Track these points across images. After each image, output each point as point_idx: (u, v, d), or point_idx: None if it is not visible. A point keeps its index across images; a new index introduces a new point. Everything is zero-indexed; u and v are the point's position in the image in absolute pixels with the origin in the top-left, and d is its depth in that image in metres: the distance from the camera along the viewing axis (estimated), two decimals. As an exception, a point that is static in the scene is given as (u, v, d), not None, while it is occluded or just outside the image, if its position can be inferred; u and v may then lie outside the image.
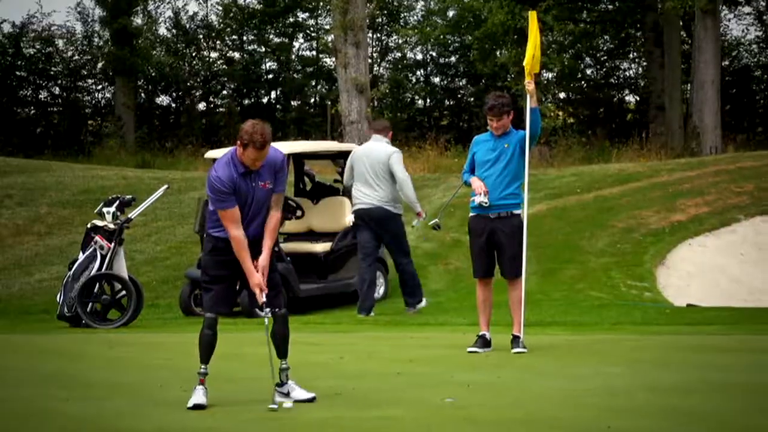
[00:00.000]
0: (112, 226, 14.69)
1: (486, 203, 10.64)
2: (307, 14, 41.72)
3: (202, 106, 41.33)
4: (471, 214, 10.94)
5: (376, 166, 14.90)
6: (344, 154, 17.36)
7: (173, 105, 41.12)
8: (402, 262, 15.14)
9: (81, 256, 14.76)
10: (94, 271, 14.54)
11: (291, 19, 41.32)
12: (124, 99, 36.20)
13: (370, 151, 15.08)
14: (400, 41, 41.59)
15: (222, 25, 41.46)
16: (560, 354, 10.90)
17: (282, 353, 8.15)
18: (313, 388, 8.31)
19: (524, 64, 11.08)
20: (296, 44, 42.02)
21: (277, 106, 41.74)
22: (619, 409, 7.67)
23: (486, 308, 11.00)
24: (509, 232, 10.77)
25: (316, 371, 9.60)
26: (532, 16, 11.37)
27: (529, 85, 10.86)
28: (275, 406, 7.80)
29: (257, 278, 7.98)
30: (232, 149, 8.12)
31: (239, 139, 8.00)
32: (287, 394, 8.06)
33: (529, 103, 10.80)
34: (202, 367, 8.12)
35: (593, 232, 20.12)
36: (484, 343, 10.86)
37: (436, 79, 41.64)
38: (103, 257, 14.59)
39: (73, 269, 14.67)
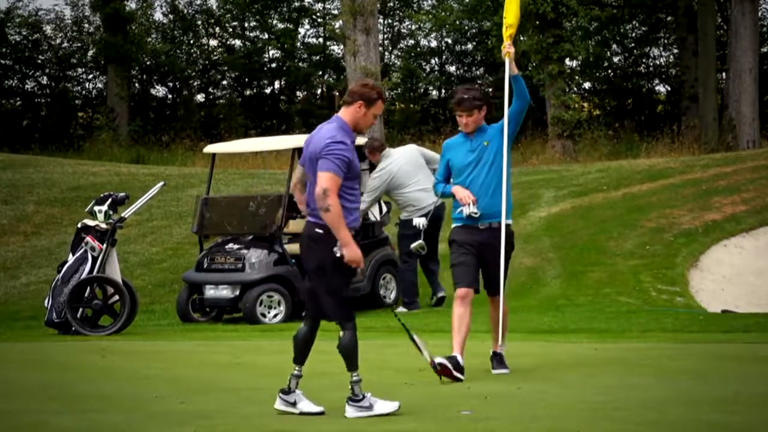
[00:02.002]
0: (104, 225, 14.70)
1: (477, 214, 9.78)
2: (313, -2, 41.81)
3: (200, 97, 41.45)
4: (455, 225, 10.00)
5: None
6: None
7: (170, 96, 41.21)
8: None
9: (71, 258, 14.78)
10: (84, 275, 14.56)
11: (296, 4, 41.35)
12: (116, 89, 36.28)
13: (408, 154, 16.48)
14: (413, 27, 41.64)
15: (222, 11, 41.55)
16: (585, 364, 10.88)
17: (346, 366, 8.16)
18: (320, 400, 8.31)
19: (507, 24, 10.10)
20: (302, 31, 42.11)
21: (281, 97, 41.81)
22: (651, 423, 7.65)
23: (462, 327, 9.79)
24: (499, 244, 9.89)
25: (323, 382, 9.60)
26: None
27: (511, 48, 9.93)
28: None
29: (356, 250, 7.89)
30: (337, 119, 8.09)
31: (363, 98, 8.07)
32: (293, 404, 8.09)
33: (509, 71, 9.90)
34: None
35: (621, 232, 20.10)
36: (454, 366, 9.60)
37: (452, 68, 41.67)
38: (94, 259, 14.61)
39: (63, 272, 14.69)
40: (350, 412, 8.04)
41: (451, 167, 10.04)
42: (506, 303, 10.18)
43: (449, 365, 9.46)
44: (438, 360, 9.41)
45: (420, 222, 15.80)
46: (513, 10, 10.13)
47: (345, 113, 8.16)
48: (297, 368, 8.24)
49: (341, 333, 8.15)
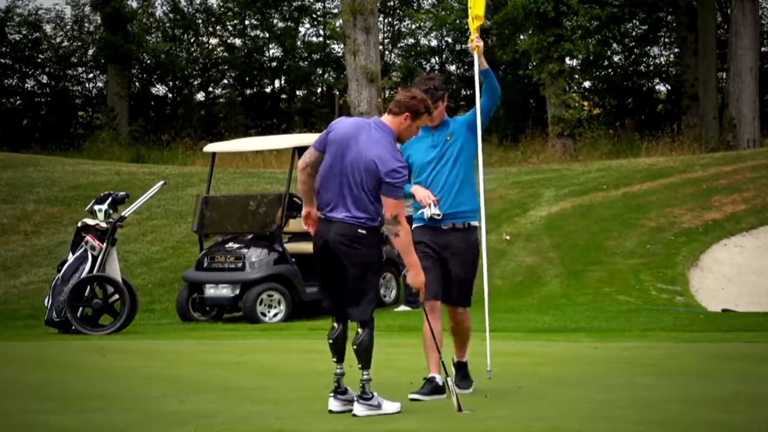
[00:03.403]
0: (104, 224, 14.70)
1: (439, 215, 8.80)
2: (313, -3, 41.80)
3: (200, 96, 41.43)
4: (415, 225, 8.90)
5: None
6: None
7: (170, 95, 41.21)
8: None
9: (71, 257, 14.78)
10: (84, 274, 14.55)
11: (296, 3, 41.34)
12: (117, 88, 36.25)
13: None
14: (413, 26, 41.60)
15: (222, 9, 41.52)
16: (586, 363, 10.87)
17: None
18: (320, 399, 8.30)
19: (473, 14, 9.31)
20: (302, 29, 42.10)
21: (282, 96, 41.79)
22: (651, 422, 7.64)
23: (435, 343, 8.71)
24: (464, 248, 8.88)
25: (323, 381, 9.59)
26: None
27: (479, 41, 9.05)
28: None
29: (421, 275, 8.13)
30: (387, 129, 8.07)
31: (410, 110, 8.10)
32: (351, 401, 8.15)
33: (479, 65, 9.03)
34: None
35: (621, 231, 20.10)
36: (433, 389, 8.79)
37: (452, 67, 41.64)
38: (94, 258, 14.61)
39: (63, 271, 14.69)
40: (359, 410, 8.02)
41: (411, 164, 8.89)
42: (469, 319, 9.05)
43: (457, 405, 8.32)
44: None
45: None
46: (480, 2, 9.34)
47: (392, 123, 8.14)
48: (339, 367, 8.24)
49: (360, 330, 8.11)
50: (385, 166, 7.91)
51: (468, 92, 37.96)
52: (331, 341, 8.26)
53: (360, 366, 8.12)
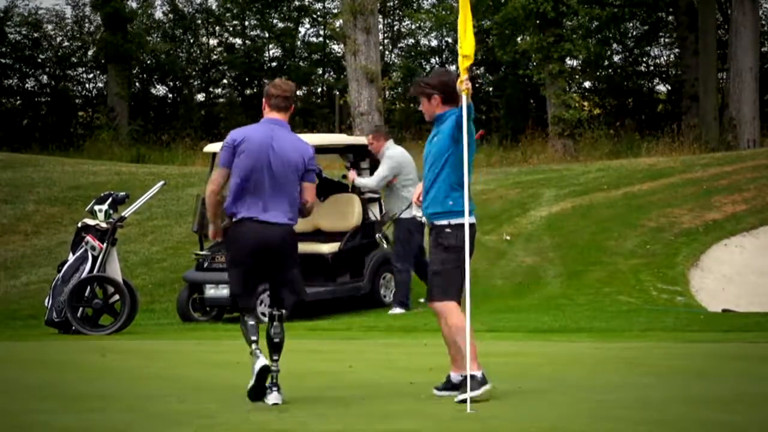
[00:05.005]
0: (104, 225, 14.70)
1: (420, 217, 8.88)
2: (313, -3, 41.80)
3: (200, 96, 41.44)
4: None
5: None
6: (353, 148, 17.41)
7: (170, 95, 41.21)
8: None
9: (71, 258, 14.77)
10: (85, 274, 14.55)
11: (296, 3, 41.35)
12: (117, 88, 36.27)
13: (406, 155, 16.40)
14: (413, 26, 41.59)
15: (222, 10, 41.53)
16: (586, 363, 10.87)
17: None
18: (320, 399, 8.30)
19: (462, 53, 8.92)
20: (302, 30, 42.11)
21: (282, 96, 41.72)
22: (652, 422, 7.64)
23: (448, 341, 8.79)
24: (432, 246, 8.85)
25: (324, 381, 9.60)
26: None
27: (468, 83, 8.67)
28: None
29: None
30: (286, 125, 8.80)
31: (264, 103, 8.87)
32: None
33: (466, 103, 8.64)
34: None
35: (621, 231, 20.10)
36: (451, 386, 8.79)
37: (452, 67, 41.58)
38: (94, 258, 14.60)
39: (63, 271, 14.68)
40: (279, 398, 8.45)
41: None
42: (451, 316, 8.70)
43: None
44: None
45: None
46: (470, 40, 9.01)
47: (285, 118, 8.89)
48: (261, 358, 8.62)
49: (277, 323, 8.69)
50: (306, 155, 8.69)
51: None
52: (244, 328, 8.62)
53: (277, 358, 8.61)
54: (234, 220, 8.60)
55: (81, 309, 14.48)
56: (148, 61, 39.70)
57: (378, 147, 16.26)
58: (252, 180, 8.53)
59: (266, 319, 8.76)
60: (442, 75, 9.22)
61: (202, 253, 16.23)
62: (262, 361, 8.46)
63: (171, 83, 40.81)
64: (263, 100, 8.89)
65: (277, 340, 8.60)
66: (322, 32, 41.76)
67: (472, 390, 8.27)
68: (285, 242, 8.63)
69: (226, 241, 8.82)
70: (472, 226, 8.73)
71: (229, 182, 8.67)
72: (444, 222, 8.73)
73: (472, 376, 8.41)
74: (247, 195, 8.54)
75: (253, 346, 8.53)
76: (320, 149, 18.37)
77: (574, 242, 19.78)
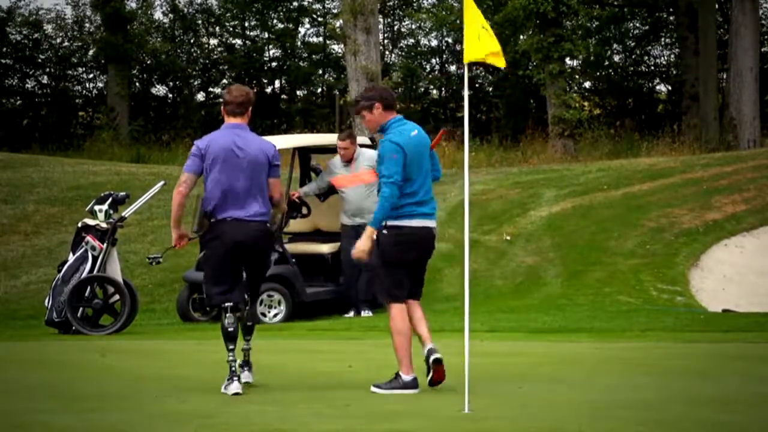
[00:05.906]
0: (104, 225, 14.70)
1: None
2: (313, -3, 41.80)
3: (200, 96, 41.42)
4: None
5: None
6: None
7: (170, 95, 41.20)
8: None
9: (71, 258, 14.77)
10: (85, 274, 14.55)
11: (296, 3, 41.33)
12: (117, 89, 36.24)
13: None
14: (414, 26, 41.59)
15: (222, 10, 41.51)
16: (586, 363, 10.87)
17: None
18: (320, 399, 8.30)
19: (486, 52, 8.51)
20: (302, 30, 42.08)
21: (282, 96, 41.79)
22: (652, 422, 7.64)
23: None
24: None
25: (323, 381, 9.60)
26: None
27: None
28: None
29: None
30: (246, 127, 9.17)
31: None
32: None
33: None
34: None
35: (621, 231, 20.09)
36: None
37: (452, 68, 41.63)
38: (94, 258, 14.60)
39: (63, 271, 14.68)
40: (250, 377, 9.18)
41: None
42: (391, 317, 9.19)
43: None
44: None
45: None
46: (484, 40, 8.57)
47: (244, 121, 9.33)
48: (232, 354, 9.07)
49: (251, 306, 9.52)
50: (269, 152, 9.18)
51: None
52: (231, 330, 8.99)
53: (249, 338, 9.32)
54: (212, 221, 9.14)
55: (81, 309, 14.48)
56: (148, 61, 39.68)
57: (351, 152, 16.12)
58: (225, 182, 9.03)
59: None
60: (376, 87, 9.80)
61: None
62: (236, 387, 8.83)
63: (171, 83, 40.80)
64: (221, 107, 9.36)
65: (250, 323, 9.36)
66: (322, 32, 41.75)
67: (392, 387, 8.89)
68: (263, 237, 9.21)
69: (204, 242, 9.35)
70: (423, 228, 9.04)
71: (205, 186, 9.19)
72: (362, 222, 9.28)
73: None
74: (223, 196, 9.07)
75: (230, 356, 8.91)
76: (321, 149, 18.41)
77: (574, 242, 19.78)
